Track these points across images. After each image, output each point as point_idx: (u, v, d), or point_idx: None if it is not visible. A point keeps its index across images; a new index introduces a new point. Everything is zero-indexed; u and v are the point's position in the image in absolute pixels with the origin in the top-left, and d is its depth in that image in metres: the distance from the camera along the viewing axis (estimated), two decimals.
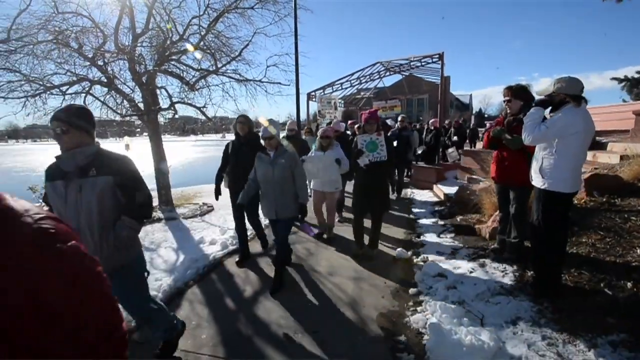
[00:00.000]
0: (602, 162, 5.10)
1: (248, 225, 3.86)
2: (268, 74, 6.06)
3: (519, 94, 3.09)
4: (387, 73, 13.01)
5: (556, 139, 2.41)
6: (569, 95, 2.37)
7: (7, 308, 0.49)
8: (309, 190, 4.00)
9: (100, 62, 5.24)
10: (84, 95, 5.35)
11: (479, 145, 11.43)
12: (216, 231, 4.85)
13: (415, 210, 5.87)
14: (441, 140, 9.14)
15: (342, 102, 15.05)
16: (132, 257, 1.88)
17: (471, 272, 3.18)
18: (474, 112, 43.28)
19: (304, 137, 6.33)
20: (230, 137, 4.25)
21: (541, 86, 2.58)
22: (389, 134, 6.17)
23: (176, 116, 6.45)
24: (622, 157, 4.73)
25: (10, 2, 4.88)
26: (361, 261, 3.65)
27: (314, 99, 12.82)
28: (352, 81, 13.15)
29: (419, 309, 2.69)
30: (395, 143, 5.40)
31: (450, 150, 9.32)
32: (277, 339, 2.39)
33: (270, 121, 3.08)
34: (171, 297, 3.01)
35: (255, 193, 3.26)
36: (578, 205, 3.64)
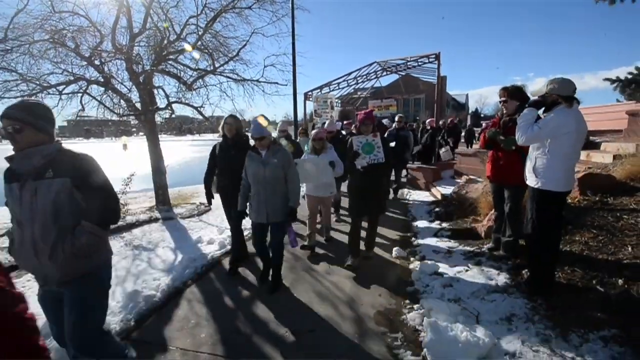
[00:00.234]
0: (595, 162, 5.18)
1: (246, 225, 3.76)
2: (265, 74, 6.12)
3: (514, 95, 3.14)
4: (384, 73, 13.09)
5: (549, 139, 2.45)
6: (561, 96, 2.42)
7: None
8: (301, 194, 3.84)
9: (97, 62, 5.24)
10: (80, 94, 5.35)
11: (476, 145, 11.54)
12: (214, 230, 4.86)
13: (411, 210, 5.91)
14: (437, 140, 9.16)
15: (339, 101, 15.10)
16: (95, 265, 1.69)
17: (467, 270, 3.23)
18: (470, 111, 43.56)
19: (298, 138, 5.95)
20: None
21: (536, 87, 2.63)
22: (385, 135, 6.21)
23: (173, 116, 6.45)
24: (615, 157, 4.81)
25: (7, 2, 4.86)
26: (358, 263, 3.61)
27: (311, 99, 12.85)
28: (349, 81, 13.22)
29: (415, 306, 2.72)
30: (393, 143, 5.42)
31: (443, 150, 9.30)
32: (275, 337, 2.42)
33: (264, 119, 2.97)
34: (170, 296, 3.02)
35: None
36: (572, 204, 3.69)
